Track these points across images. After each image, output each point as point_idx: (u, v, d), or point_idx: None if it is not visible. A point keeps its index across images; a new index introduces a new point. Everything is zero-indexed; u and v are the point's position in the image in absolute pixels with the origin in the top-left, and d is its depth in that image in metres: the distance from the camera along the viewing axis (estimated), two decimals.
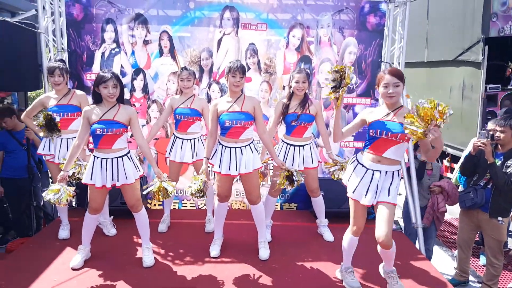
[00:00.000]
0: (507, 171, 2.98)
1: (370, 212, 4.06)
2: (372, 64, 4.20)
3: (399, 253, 2.94)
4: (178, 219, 3.88)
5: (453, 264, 3.44)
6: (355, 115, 4.13)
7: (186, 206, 4.36)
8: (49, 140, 3.35)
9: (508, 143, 3.08)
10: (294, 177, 2.98)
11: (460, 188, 3.71)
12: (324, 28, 4.11)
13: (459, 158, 4.76)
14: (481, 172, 3.15)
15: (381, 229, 2.47)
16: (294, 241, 3.51)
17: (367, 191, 2.50)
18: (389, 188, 2.46)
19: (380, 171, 2.47)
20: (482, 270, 3.53)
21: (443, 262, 3.65)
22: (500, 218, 3.04)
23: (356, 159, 2.61)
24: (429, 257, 3.68)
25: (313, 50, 4.15)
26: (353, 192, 2.56)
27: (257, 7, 4.07)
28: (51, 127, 3.26)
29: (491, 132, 3.04)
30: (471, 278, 3.50)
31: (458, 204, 3.51)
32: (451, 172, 4.38)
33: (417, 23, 6.83)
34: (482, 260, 3.79)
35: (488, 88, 5.85)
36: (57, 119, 3.29)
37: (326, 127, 3.51)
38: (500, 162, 3.02)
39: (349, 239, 2.72)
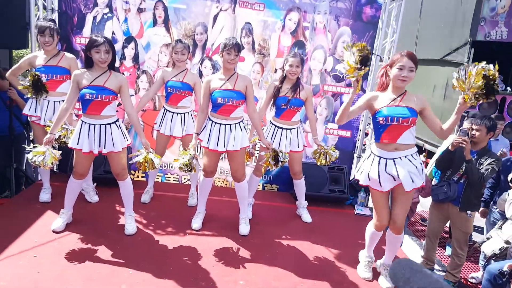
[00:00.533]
0: (480, 168, 3.15)
1: (348, 198, 4.24)
2: None
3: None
4: (161, 192, 3.92)
5: (420, 253, 3.66)
6: (341, 103, 4.22)
7: (170, 180, 4.39)
8: (36, 101, 3.28)
9: (482, 141, 3.23)
10: (279, 158, 3.06)
11: (434, 182, 3.89)
12: (321, 15, 4.13)
13: (434, 153, 4.97)
14: (455, 167, 3.31)
15: (402, 213, 2.56)
16: (274, 220, 3.63)
17: (386, 179, 2.49)
18: (411, 173, 2.42)
19: (401, 157, 2.43)
20: (447, 260, 3.77)
21: (411, 251, 3.88)
22: (469, 212, 3.23)
23: (372, 152, 2.56)
24: None
25: (308, 36, 4.17)
26: (369, 180, 2.53)
27: None
28: (38, 87, 3.19)
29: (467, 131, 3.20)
30: (436, 266, 3.73)
31: (430, 197, 3.70)
32: (426, 167, 4.58)
33: (409, 19, 6.94)
34: (448, 250, 4.03)
35: None
36: (44, 79, 3.22)
37: (314, 113, 3.58)
38: (474, 159, 3.19)
39: (371, 232, 2.75)
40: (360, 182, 2.62)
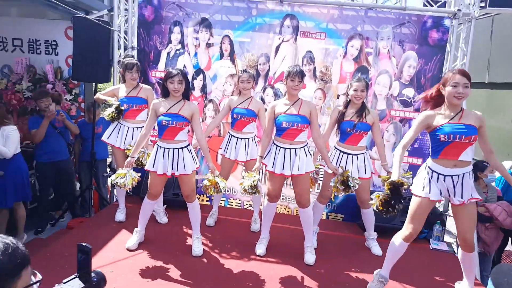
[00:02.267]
0: None
1: (422, 231, 3.95)
2: (432, 79, 4.12)
3: (453, 275, 2.85)
4: (224, 216, 4.00)
5: None
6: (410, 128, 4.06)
7: (232, 205, 4.48)
8: (113, 130, 3.62)
9: None
10: (349, 182, 2.98)
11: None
12: (384, 40, 4.11)
13: None
14: None
15: (469, 228, 2.50)
16: (341, 251, 3.47)
17: (440, 192, 2.51)
18: (470, 188, 2.47)
19: (458, 175, 2.46)
20: None
21: None
22: None
23: (429, 167, 2.55)
24: (484, 283, 3.49)
25: (371, 61, 4.15)
26: (422, 190, 2.51)
27: (317, 16, 4.15)
28: (117, 116, 3.56)
29: None
30: None
31: None
32: None
33: (479, 42, 6.58)
34: None
35: None
36: (125, 108, 3.58)
37: (382, 138, 3.47)
38: None
39: (398, 244, 2.64)
40: (416, 193, 2.56)
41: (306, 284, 2.86)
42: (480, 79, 7.01)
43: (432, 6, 4.18)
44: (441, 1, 4.17)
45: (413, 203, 2.57)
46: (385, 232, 3.66)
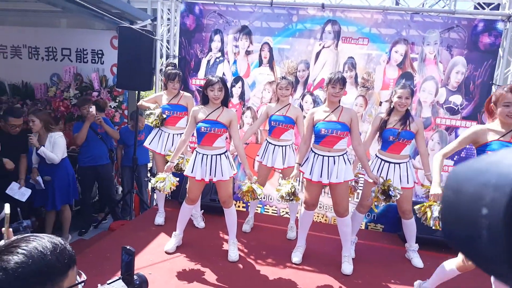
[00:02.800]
0: None
1: None
2: (481, 86, 3.88)
3: None
4: (260, 223, 3.99)
5: None
6: (457, 137, 3.83)
7: (268, 212, 4.45)
8: (155, 136, 3.73)
9: None
10: (391, 192, 2.87)
11: None
12: (431, 46, 3.93)
13: None
14: None
15: None
16: (379, 262, 3.36)
17: None
18: None
19: None
20: None
21: None
22: None
23: None
24: None
25: (416, 67, 3.98)
26: None
27: (360, 21, 4.06)
28: (161, 123, 3.69)
29: None
30: None
31: None
32: None
33: None
34: None
35: None
36: (167, 115, 3.69)
37: (426, 147, 3.31)
38: None
39: (448, 269, 2.49)
40: None
41: None
42: None
43: (484, 9, 3.95)
44: (494, 3, 3.93)
45: None
46: (427, 244, 3.52)
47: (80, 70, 5.52)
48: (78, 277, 0.99)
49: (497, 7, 3.96)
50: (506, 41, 3.85)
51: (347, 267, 3.06)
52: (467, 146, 3.78)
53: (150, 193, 4.96)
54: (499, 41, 3.84)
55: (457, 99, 3.94)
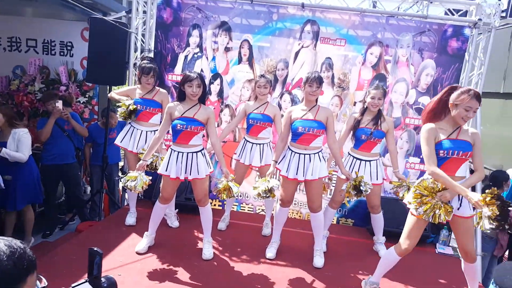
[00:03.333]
0: None
1: (430, 236, 3.90)
2: None
3: (457, 278, 2.92)
4: (236, 220, 3.98)
5: None
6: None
7: (244, 210, 4.45)
8: (126, 133, 3.59)
9: None
10: (362, 187, 2.97)
11: None
12: (404, 48, 4.06)
13: None
14: None
15: (470, 243, 2.53)
16: (349, 255, 3.49)
17: None
18: (467, 203, 2.44)
19: None
20: None
21: None
22: None
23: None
24: (486, 285, 3.50)
25: (390, 69, 4.11)
26: (416, 210, 2.46)
27: (338, 22, 4.12)
28: (129, 115, 3.53)
29: None
30: None
31: None
32: None
33: (497, 52, 6.47)
34: None
35: None
36: (138, 109, 3.54)
37: (395, 146, 3.44)
38: None
39: (392, 258, 2.63)
40: (413, 212, 2.50)
41: (314, 286, 2.87)
42: (496, 89, 6.93)
43: (453, 15, 4.13)
44: (462, 10, 4.11)
45: (410, 220, 2.54)
46: (393, 236, 3.60)
47: (46, 62, 5.19)
48: (38, 282, 0.93)
49: (465, 13, 4.14)
50: (472, 46, 4.05)
51: (319, 261, 3.15)
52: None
53: (121, 193, 4.81)
54: (465, 46, 4.04)
55: (425, 100, 4.10)
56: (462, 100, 2.36)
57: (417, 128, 4.15)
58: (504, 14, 3.90)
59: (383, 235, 3.56)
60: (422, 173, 4.14)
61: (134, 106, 3.50)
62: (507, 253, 4.18)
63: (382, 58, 4.09)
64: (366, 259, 3.40)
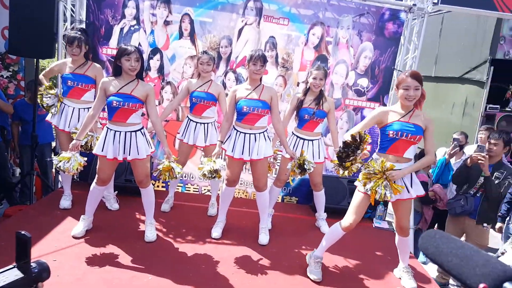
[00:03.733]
0: (497, 182, 3.25)
1: (367, 212, 4.18)
2: (385, 70, 4.28)
3: (393, 251, 3.10)
4: (181, 202, 3.91)
5: (436, 267, 3.60)
6: (362, 118, 4.20)
7: (190, 190, 4.38)
8: (60, 111, 3.34)
9: (498, 155, 3.34)
10: (305, 166, 3.05)
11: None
12: (344, 30, 4.16)
13: None
14: (472, 182, 3.40)
15: (407, 220, 2.72)
16: (293, 231, 3.61)
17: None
18: (410, 185, 2.60)
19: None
20: None
21: (428, 265, 3.81)
22: (485, 224, 3.32)
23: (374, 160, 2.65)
24: (417, 255, 3.85)
25: (331, 50, 4.20)
26: (364, 186, 2.59)
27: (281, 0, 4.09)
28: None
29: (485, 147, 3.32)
30: (450, 281, 3.69)
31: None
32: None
33: (430, 38, 6.96)
34: None
35: (488, 107, 5.99)
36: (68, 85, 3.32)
37: (336, 126, 3.57)
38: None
39: (337, 232, 2.76)
40: (359, 189, 2.67)
41: (260, 263, 2.93)
42: (428, 73, 7.48)
43: None
44: None
45: (356, 198, 2.69)
46: (334, 212, 3.87)
47: None
48: None
49: None
50: (407, 30, 4.26)
51: (264, 238, 3.22)
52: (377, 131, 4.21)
53: (55, 175, 4.48)
54: (401, 30, 4.24)
55: (363, 82, 4.28)
56: (399, 81, 2.51)
57: (356, 109, 4.34)
58: (436, 1, 4.13)
59: (324, 212, 3.71)
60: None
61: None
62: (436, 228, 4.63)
63: (324, 39, 4.17)
64: (309, 235, 3.54)
